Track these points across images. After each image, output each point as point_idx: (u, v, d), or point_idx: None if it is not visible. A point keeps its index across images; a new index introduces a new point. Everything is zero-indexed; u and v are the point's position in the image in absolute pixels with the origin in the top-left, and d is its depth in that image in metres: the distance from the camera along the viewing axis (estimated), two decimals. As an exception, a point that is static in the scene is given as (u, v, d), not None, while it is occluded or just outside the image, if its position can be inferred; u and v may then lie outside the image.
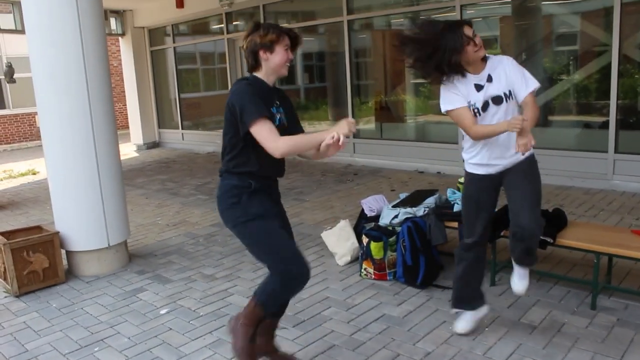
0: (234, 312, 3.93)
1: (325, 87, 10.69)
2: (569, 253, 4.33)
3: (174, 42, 13.12)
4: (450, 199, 4.53)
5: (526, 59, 8.02)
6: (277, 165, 2.80)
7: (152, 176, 9.86)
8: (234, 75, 11.77)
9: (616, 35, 6.54)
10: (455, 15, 7.95)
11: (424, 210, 4.40)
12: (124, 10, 13.14)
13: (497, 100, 3.03)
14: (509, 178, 3.13)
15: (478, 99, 3.05)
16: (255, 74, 2.74)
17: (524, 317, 3.60)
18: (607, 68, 6.73)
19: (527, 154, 3.03)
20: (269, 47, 2.64)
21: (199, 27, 12.56)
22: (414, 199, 4.69)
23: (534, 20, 7.94)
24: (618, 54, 6.57)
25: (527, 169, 3.10)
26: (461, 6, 7.88)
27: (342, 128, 2.48)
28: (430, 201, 4.55)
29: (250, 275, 4.63)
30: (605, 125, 6.86)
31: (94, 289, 4.54)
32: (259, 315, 2.79)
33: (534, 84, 3.02)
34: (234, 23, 11.58)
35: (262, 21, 10.33)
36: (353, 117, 9.59)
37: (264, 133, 2.54)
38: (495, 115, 3.04)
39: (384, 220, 4.52)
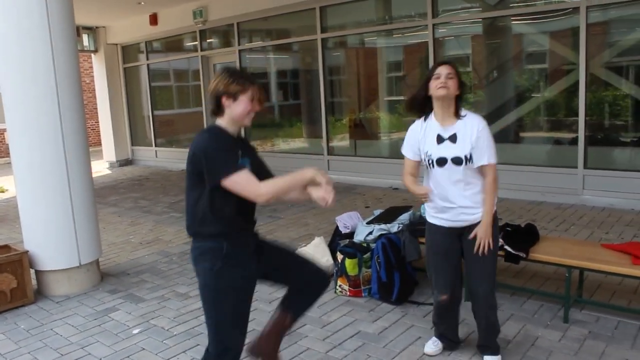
0: (208, 330, 3.88)
1: (299, 104, 10.73)
2: (541, 267, 4.39)
3: (147, 59, 13.06)
4: (424, 215, 4.54)
5: (497, 76, 8.17)
6: (248, 213, 2.64)
7: (125, 194, 9.74)
8: (208, 93, 11.72)
9: (583, 54, 6.71)
10: (427, 34, 8.08)
11: (398, 227, 4.42)
12: (96, 27, 13.06)
13: (457, 161, 3.00)
14: (470, 243, 3.09)
15: (434, 152, 3.05)
16: (218, 120, 2.58)
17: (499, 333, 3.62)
18: (575, 86, 6.90)
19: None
20: (233, 95, 2.49)
21: (172, 44, 12.53)
22: (388, 216, 4.71)
23: (504, 39, 8.10)
24: (585, 73, 6.74)
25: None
26: (433, 25, 8.01)
27: (324, 196, 2.49)
28: (405, 217, 4.58)
29: (225, 293, 4.58)
30: (574, 142, 7.01)
31: (64, 309, 4.44)
32: None
33: (494, 157, 3.01)
34: (208, 40, 11.59)
35: (237, 40, 10.40)
36: (327, 134, 9.64)
37: (243, 183, 2.39)
38: (451, 176, 3.01)
39: (358, 237, 4.53)
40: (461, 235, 3.13)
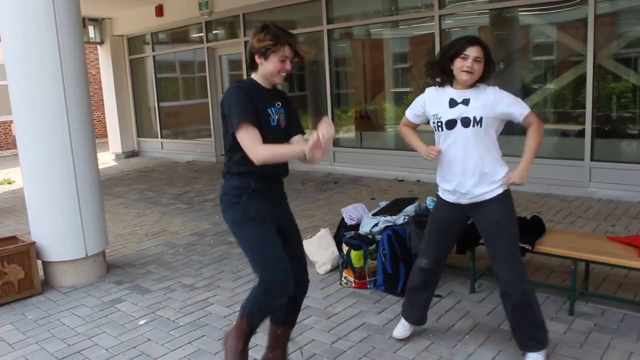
0: (214, 322, 3.90)
1: (305, 96, 10.71)
2: (547, 260, 4.38)
3: (153, 50, 13.05)
4: (429, 207, 4.55)
5: (504, 68, 8.12)
6: (277, 164, 2.72)
7: (131, 185, 9.76)
8: (214, 84, 11.75)
9: (591, 45, 6.66)
10: (433, 25, 8.04)
11: (404, 219, 4.42)
12: (102, 19, 13.05)
13: (465, 121, 2.95)
14: (483, 225, 3.07)
15: (445, 114, 3.00)
16: (253, 75, 2.75)
17: (504, 323, 3.62)
18: (583, 78, 6.85)
19: (501, 189, 3.00)
20: (264, 54, 2.62)
21: (178, 35, 12.52)
22: (394, 208, 4.70)
23: (511, 31, 8.05)
24: (593, 64, 6.69)
25: (502, 218, 3.02)
26: (440, 16, 7.97)
27: (321, 130, 2.43)
28: (410, 209, 4.57)
29: (230, 285, 4.60)
30: (581, 134, 6.97)
31: (71, 300, 4.47)
32: (246, 328, 2.77)
33: (526, 108, 3.01)
34: (213, 32, 11.57)
35: (242, 31, 10.37)
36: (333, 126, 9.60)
37: (245, 140, 2.56)
38: (459, 138, 2.98)
39: (364, 229, 4.53)
40: (469, 211, 3.10)
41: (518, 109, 2.98)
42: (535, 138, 3.04)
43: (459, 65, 2.92)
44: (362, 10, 9.21)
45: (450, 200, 3.13)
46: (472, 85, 2.99)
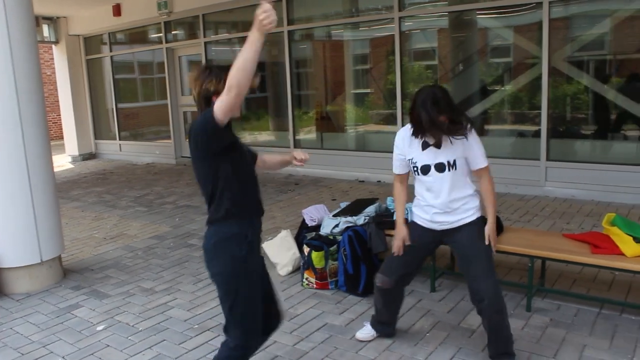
0: (174, 326, 3.85)
1: (265, 97, 10.67)
2: (505, 258, 4.46)
3: (111, 50, 12.80)
4: (390, 207, 4.59)
5: (462, 70, 8.26)
6: (256, 197, 2.64)
7: (88, 188, 9.55)
8: (173, 85, 11.59)
9: (545, 48, 6.84)
10: (393, 27, 8.11)
11: (365, 219, 4.44)
12: (57, 17, 12.74)
13: (440, 167, 3.03)
14: (461, 247, 3.14)
15: (420, 159, 3.06)
16: None
17: (464, 321, 3.68)
18: (538, 80, 7.02)
19: (475, 216, 3.10)
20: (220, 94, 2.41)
21: (136, 35, 12.31)
22: (355, 208, 4.72)
23: (470, 33, 8.19)
24: (548, 66, 6.86)
25: (478, 237, 3.11)
26: (400, 18, 8.05)
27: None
28: (371, 210, 4.60)
29: (191, 288, 4.55)
30: (537, 134, 7.14)
31: (25, 307, 4.34)
32: None
33: (485, 160, 3.10)
34: (172, 32, 11.42)
35: (202, 32, 10.27)
36: (294, 127, 9.61)
37: (220, 101, 2.30)
38: (436, 182, 3.05)
39: (324, 230, 4.53)
40: (444, 236, 3.16)
41: (479, 159, 3.08)
42: (490, 196, 3.16)
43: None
44: (322, 11, 9.23)
45: (425, 226, 3.18)
46: None
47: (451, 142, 3.00)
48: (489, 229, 3.12)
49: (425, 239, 3.20)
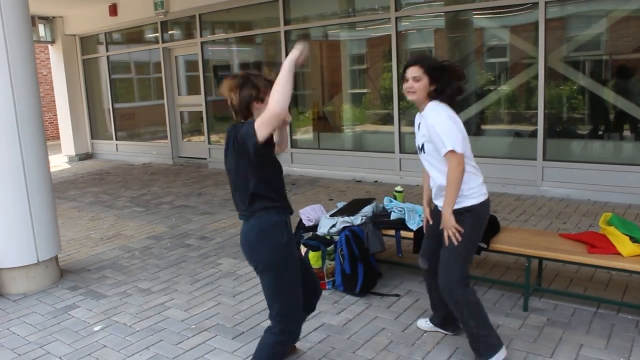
0: (171, 326, 3.85)
1: (263, 97, 10.65)
2: (502, 257, 4.48)
3: (107, 50, 12.78)
4: (387, 207, 4.59)
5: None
6: (284, 190, 2.90)
7: (85, 188, 9.54)
8: (170, 85, 11.58)
9: (542, 48, 6.85)
10: (390, 27, 8.11)
11: (362, 219, 4.44)
12: (53, 17, 12.71)
13: (419, 147, 3.10)
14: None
15: (416, 138, 3.15)
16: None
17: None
18: (535, 80, 7.04)
19: (463, 204, 2.98)
20: (262, 99, 2.70)
21: (133, 35, 12.29)
22: (352, 208, 4.72)
23: (466, 33, 8.20)
24: (544, 67, 6.88)
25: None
26: (396, 18, 8.06)
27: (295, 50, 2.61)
28: (368, 210, 4.60)
29: (188, 288, 4.54)
30: (533, 134, 7.16)
31: (22, 308, 4.33)
32: None
33: (448, 146, 2.89)
34: (169, 32, 11.40)
35: (199, 31, 10.26)
36: (290, 128, 9.61)
37: (264, 115, 2.53)
38: (423, 163, 3.15)
39: (321, 230, 4.53)
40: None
41: (439, 144, 2.93)
42: (449, 184, 2.93)
43: (404, 88, 3.05)
44: (319, 11, 9.23)
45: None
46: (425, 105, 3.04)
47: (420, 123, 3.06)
48: (442, 220, 3.00)
49: (436, 218, 3.22)
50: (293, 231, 2.92)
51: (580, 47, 7.04)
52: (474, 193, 3.02)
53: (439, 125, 2.92)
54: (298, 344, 3.48)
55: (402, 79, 3.07)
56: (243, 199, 2.76)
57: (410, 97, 3.03)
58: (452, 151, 2.87)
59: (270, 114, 2.50)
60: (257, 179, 2.70)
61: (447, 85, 3.00)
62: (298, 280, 2.82)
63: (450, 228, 2.96)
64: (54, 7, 11.86)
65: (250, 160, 2.65)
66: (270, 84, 2.65)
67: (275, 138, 2.85)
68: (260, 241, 2.73)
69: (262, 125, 2.52)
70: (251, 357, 2.93)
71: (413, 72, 2.99)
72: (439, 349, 3.35)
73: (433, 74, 2.99)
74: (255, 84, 2.72)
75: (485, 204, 3.07)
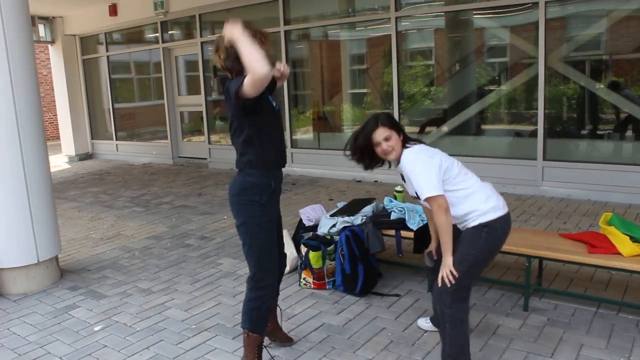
0: (171, 326, 3.85)
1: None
2: (502, 257, 4.47)
3: (107, 50, 12.78)
4: (387, 207, 4.59)
5: (459, 70, 8.27)
6: (279, 151, 2.99)
7: (85, 188, 9.54)
8: (170, 85, 11.58)
9: (542, 48, 6.85)
10: (390, 27, 8.11)
11: (362, 219, 4.44)
12: (53, 17, 12.71)
13: (416, 197, 2.98)
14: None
15: (410, 187, 3.01)
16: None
17: (461, 321, 3.68)
18: (535, 79, 7.03)
19: (476, 222, 2.91)
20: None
21: (133, 35, 12.29)
22: (352, 208, 4.72)
23: (466, 33, 8.20)
24: (544, 67, 6.88)
25: (463, 239, 2.96)
26: (396, 18, 8.06)
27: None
28: (368, 210, 4.60)
29: (188, 288, 4.54)
30: (533, 134, 7.16)
31: (22, 308, 4.33)
32: (255, 339, 3.06)
33: (425, 193, 2.82)
34: (169, 32, 11.40)
35: (199, 31, 10.26)
36: (290, 127, 9.61)
37: (248, 78, 2.60)
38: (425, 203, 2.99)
39: (322, 230, 4.53)
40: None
41: (419, 192, 2.87)
42: (439, 234, 2.87)
43: (380, 152, 2.98)
44: (319, 11, 9.23)
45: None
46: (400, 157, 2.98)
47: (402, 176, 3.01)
48: (442, 264, 2.90)
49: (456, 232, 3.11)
50: (281, 187, 3.06)
51: (580, 47, 7.04)
52: (487, 212, 2.92)
53: (413, 175, 2.87)
54: (298, 344, 3.48)
55: (372, 146, 2.98)
56: (237, 147, 2.92)
57: (391, 157, 2.96)
58: (430, 197, 2.81)
59: (254, 77, 2.56)
60: (248, 130, 2.82)
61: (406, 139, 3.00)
62: (272, 239, 2.97)
63: (445, 269, 2.87)
64: (54, 7, 11.86)
65: (236, 113, 2.79)
66: (256, 33, 2.78)
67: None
68: (240, 197, 2.89)
69: (249, 86, 2.61)
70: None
71: (382, 134, 2.93)
72: (439, 349, 3.34)
73: (394, 124, 2.98)
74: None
75: (502, 220, 2.95)
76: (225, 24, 2.69)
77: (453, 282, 2.85)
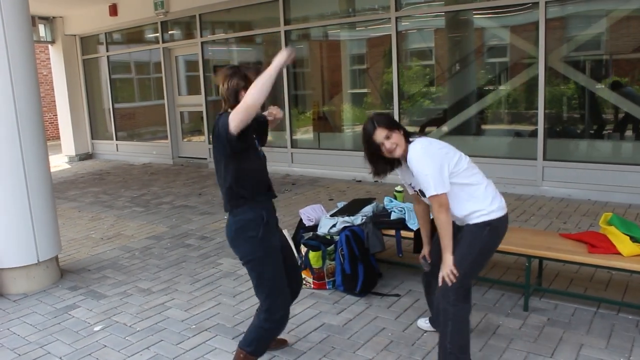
0: (171, 326, 3.85)
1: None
2: (502, 257, 4.47)
3: (107, 50, 12.78)
4: (387, 207, 4.59)
5: (459, 70, 8.27)
6: (267, 183, 2.98)
7: (85, 188, 9.54)
8: (170, 85, 11.58)
9: (542, 48, 6.85)
10: (390, 27, 8.11)
11: (362, 219, 4.44)
12: (53, 17, 12.71)
13: (421, 194, 3.00)
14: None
15: (416, 183, 3.01)
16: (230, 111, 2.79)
17: (461, 321, 3.68)
18: (535, 79, 7.03)
19: (478, 220, 2.92)
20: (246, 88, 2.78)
21: (133, 35, 12.29)
22: (352, 208, 4.72)
23: (466, 33, 8.20)
24: (544, 67, 6.88)
25: (464, 236, 2.97)
26: (396, 18, 8.06)
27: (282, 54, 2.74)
28: (368, 210, 4.60)
29: (188, 288, 4.54)
30: (534, 134, 7.16)
31: (22, 308, 4.33)
32: None
33: (431, 191, 2.83)
34: (169, 32, 11.40)
35: (199, 31, 10.26)
36: (290, 127, 9.61)
37: (238, 109, 2.64)
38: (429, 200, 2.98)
39: (322, 230, 4.53)
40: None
41: (424, 189, 2.89)
42: (439, 233, 2.91)
43: (386, 152, 2.96)
44: (319, 11, 9.23)
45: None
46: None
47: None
48: (443, 264, 2.93)
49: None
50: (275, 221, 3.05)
51: (580, 46, 7.04)
52: (492, 212, 2.93)
53: (420, 170, 2.87)
54: (298, 344, 3.48)
55: (376, 149, 2.97)
56: (223, 192, 2.90)
57: (397, 154, 2.94)
58: (434, 195, 2.83)
59: (242, 105, 2.61)
60: (233, 173, 2.81)
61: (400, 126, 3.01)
62: (279, 271, 2.94)
63: (447, 268, 2.89)
64: (54, 7, 11.86)
65: (226, 153, 2.76)
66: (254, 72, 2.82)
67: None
68: (237, 237, 2.89)
69: (235, 115, 2.63)
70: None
71: (381, 134, 2.92)
72: (439, 348, 3.35)
73: (391, 122, 2.98)
74: (245, 74, 2.84)
75: (502, 220, 2.98)
76: (289, 49, 2.76)
77: (454, 281, 2.86)
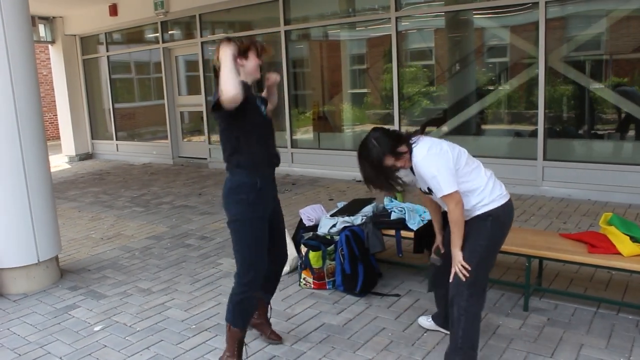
0: (171, 326, 3.85)
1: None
2: (502, 257, 4.46)
3: (107, 50, 12.78)
4: (387, 207, 4.59)
5: (459, 70, 8.27)
6: (268, 151, 3.08)
7: (85, 188, 9.54)
8: (170, 85, 11.58)
9: (542, 48, 6.85)
10: (390, 27, 8.11)
11: (362, 219, 4.44)
12: (53, 17, 12.71)
13: (429, 191, 3.00)
14: None
15: (422, 183, 3.01)
16: None
17: (461, 321, 3.68)
18: (535, 79, 7.03)
19: (480, 211, 2.95)
20: (244, 53, 2.95)
21: (133, 35, 12.29)
22: (352, 208, 4.72)
23: (466, 33, 8.20)
24: (544, 67, 6.87)
25: (470, 230, 2.97)
26: (396, 18, 8.06)
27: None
28: (368, 210, 4.60)
29: (188, 288, 4.54)
30: (534, 134, 7.16)
31: (22, 308, 4.33)
32: (236, 335, 3.10)
33: (444, 190, 2.84)
34: (169, 32, 11.40)
35: (199, 31, 10.27)
36: (290, 127, 9.61)
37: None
38: (436, 198, 2.98)
39: (322, 230, 4.53)
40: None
41: (435, 190, 2.90)
42: (452, 229, 2.92)
43: (399, 165, 2.93)
44: (319, 11, 9.23)
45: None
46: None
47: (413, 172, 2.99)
48: (453, 260, 2.95)
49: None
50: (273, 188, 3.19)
51: (580, 46, 7.04)
52: (492, 201, 2.95)
53: (428, 175, 2.86)
54: (298, 344, 3.48)
55: (387, 173, 2.93)
56: (224, 150, 3.02)
57: (408, 165, 2.94)
58: (447, 195, 2.83)
59: (223, 98, 2.70)
60: (232, 138, 2.95)
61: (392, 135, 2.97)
62: (259, 240, 3.03)
63: (457, 264, 2.91)
64: (54, 7, 11.86)
65: (220, 121, 2.93)
66: (253, 44, 2.98)
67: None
68: (229, 196, 3.02)
69: (223, 102, 2.74)
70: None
71: (390, 159, 2.90)
72: (439, 348, 3.35)
73: (395, 142, 2.93)
74: (239, 41, 2.94)
75: (505, 208, 2.98)
76: (219, 45, 2.83)
77: (467, 275, 2.88)
